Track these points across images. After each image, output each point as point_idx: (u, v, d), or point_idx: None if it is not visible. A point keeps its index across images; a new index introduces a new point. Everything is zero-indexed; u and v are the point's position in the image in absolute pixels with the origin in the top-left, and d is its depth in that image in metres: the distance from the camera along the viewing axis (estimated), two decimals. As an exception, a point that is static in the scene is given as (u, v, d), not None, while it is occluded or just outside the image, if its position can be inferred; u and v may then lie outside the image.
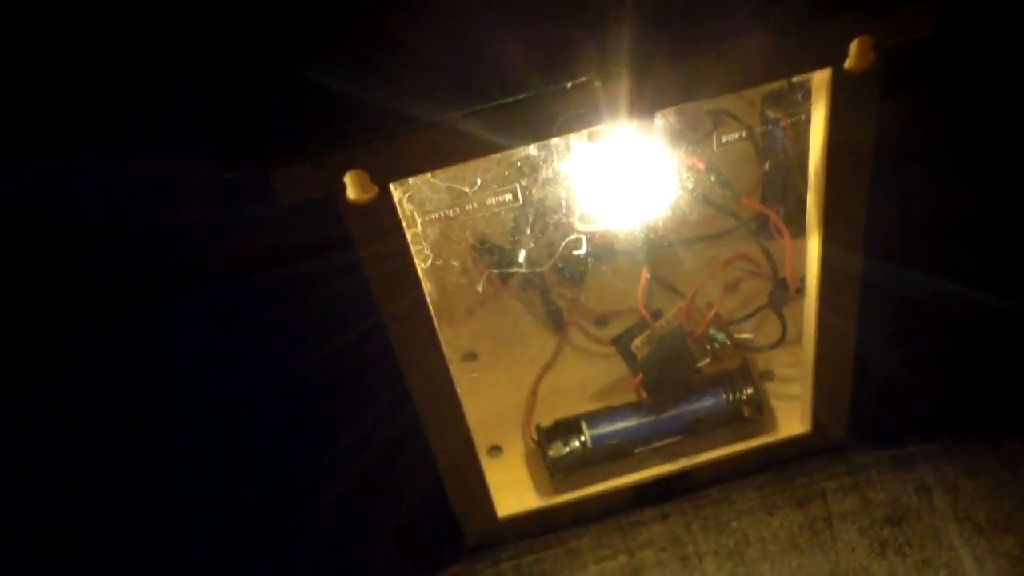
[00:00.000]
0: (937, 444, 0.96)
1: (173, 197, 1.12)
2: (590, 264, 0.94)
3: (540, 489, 0.95)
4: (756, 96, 0.85)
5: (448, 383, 0.81)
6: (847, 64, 0.68)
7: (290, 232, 1.07)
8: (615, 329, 0.98)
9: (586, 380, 0.99)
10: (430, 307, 0.76)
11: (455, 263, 0.87)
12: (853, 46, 0.67)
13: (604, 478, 0.95)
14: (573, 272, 0.95)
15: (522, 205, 0.83)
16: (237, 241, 1.15)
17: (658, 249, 0.90)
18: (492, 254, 0.89)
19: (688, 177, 0.82)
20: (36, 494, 1.08)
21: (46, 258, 1.17)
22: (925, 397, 0.98)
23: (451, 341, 0.99)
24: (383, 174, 0.67)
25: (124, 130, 1.10)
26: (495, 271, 0.89)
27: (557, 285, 0.98)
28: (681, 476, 0.95)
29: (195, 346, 1.13)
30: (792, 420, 0.95)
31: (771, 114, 0.82)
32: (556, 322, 1.01)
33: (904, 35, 0.67)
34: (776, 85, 0.82)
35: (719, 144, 0.80)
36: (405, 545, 0.97)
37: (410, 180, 0.77)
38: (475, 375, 0.96)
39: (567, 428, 0.94)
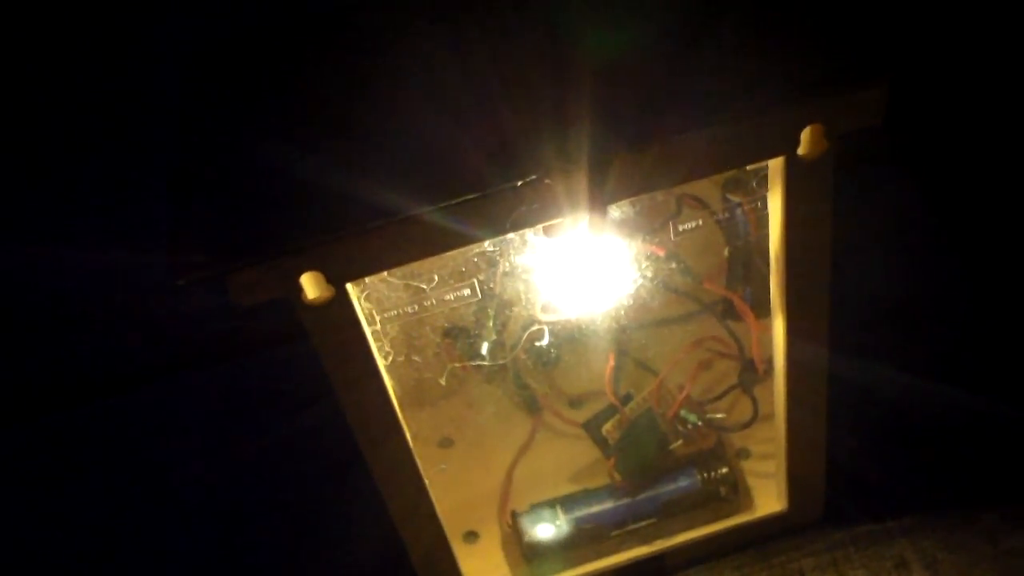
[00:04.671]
0: (915, 518, 0.95)
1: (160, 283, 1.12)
2: (557, 351, 0.93)
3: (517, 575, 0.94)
4: (718, 179, 0.85)
5: (415, 475, 0.80)
6: (800, 151, 0.69)
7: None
8: (591, 410, 0.98)
9: (561, 463, 0.98)
10: (394, 403, 0.75)
11: (417, 359, 0.87)
12: (805, 134, 0.68)
13: (581, 562, 0.94)
14: (545, 358, 0.94)
15: (481, 299, 0.83)
16: (224, 325, 1.15)
17: (623, 335, 0.90)
18: (460, 345, 0.88)
19: (647, 266, 0.82)
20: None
21: (35, 343, 1.17)
22: (902, 471, 0.98)
23: (426, 427, 0.99)
24: (339, 275, 0.67)
25: (112, 213, 1.10)
26: (458, 364, 0.89)
27: (530, 369, 0.97)
28: (658, 558, 0.94)
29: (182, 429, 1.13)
30: (768, 498, 0.95)
31: (732, 198, 0.82)
32: (530, 406, 1.01)
33: (854, 123, 0.67)
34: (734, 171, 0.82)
35: (676, 233, 0.80)
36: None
37: (367, 279, 0.77)
38: (443, 467, 0.95)
39: (542, 512, 0.94)
